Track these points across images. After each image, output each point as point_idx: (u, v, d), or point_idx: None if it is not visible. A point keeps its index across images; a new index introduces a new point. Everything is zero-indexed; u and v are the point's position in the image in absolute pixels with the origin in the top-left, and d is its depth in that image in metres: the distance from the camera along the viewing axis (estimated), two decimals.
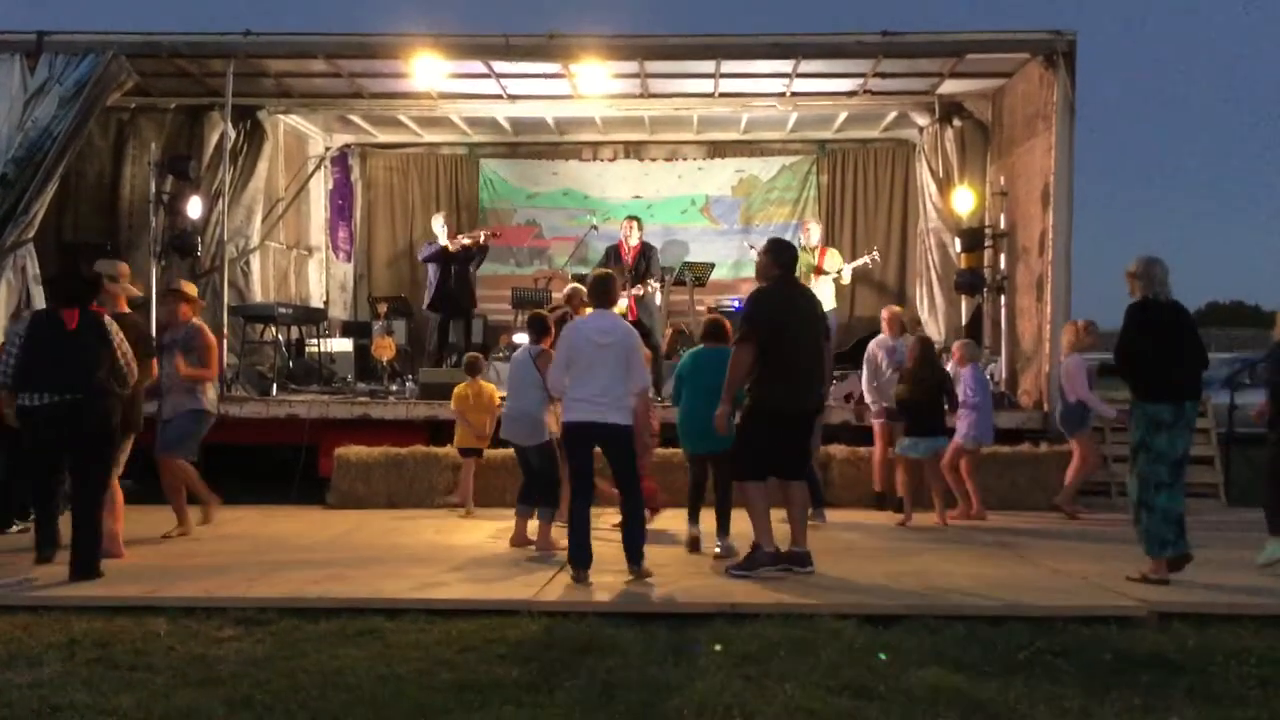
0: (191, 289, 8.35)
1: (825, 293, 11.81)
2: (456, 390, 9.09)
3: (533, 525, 7.47)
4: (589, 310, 6.96)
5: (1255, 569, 6.56)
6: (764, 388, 6.51)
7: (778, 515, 6.67)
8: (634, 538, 6.44)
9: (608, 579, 6.29)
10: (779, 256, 6.82)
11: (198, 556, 7.13)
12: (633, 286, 10.86)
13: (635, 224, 11.61)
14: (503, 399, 8.87)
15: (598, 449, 6.55)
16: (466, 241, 11.89)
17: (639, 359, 6.55)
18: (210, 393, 8.10)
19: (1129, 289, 6.43)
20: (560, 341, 6.70)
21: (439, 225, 12.12)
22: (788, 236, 13.14)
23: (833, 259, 12.00)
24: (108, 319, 6.58)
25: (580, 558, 6.35)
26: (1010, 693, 4.36)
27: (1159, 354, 6.24)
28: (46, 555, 6.53)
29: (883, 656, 4.80)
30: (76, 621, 5.38)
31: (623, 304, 10.62)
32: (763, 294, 6.82)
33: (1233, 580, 6.34)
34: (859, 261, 11.99)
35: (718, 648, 4.99)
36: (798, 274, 11.61)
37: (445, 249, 11.83)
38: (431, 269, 12.04)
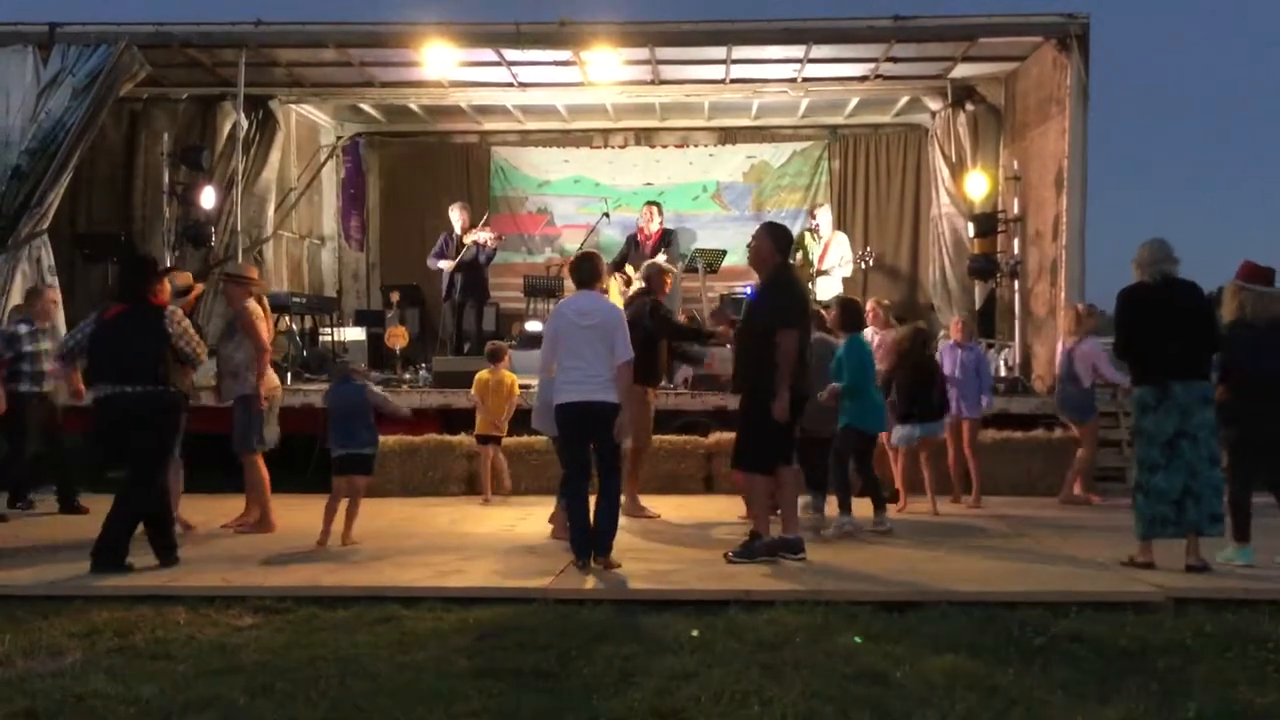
0: (248, 270, 8.27)
1: (831, 282, 11.81)
2: (478, 376, 9.10)
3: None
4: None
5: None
6: (775, 377, 6.36)
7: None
8: (605, 526, 6.40)
9: (627, 566, 6.32)
10: (781, 243, 6.68)
11: (215, 546, 7.17)
12: None
13: (655, 210, 11.59)
14: (523, 388, 8.95)
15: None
16: (477, 238, 11.89)
17: (623, 335, 6.48)
18: (266, 377, 7.79)
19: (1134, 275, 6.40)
20: (547, 325, 6.72)
21: (455, 215, 12.14)
22: (797, 224, 13.18)
23: (839, 246, 11.99)
24: (170, 312, 6.52)
25: (581, 545, 6.36)
26: (1027, 678, 4.36)
27: (1146, 336, 6.22)
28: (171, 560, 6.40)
29: (858, 640, 4.81)
30: (97, 611, 5.41)
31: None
32: (792, 280, 6.75)
33: (1248, 566, 6.33)
34: (847, 270, 11.92)
35: (694, 633, 4.99)
36: (800, 263, 11.75)
37: (454, 240, 11.81)
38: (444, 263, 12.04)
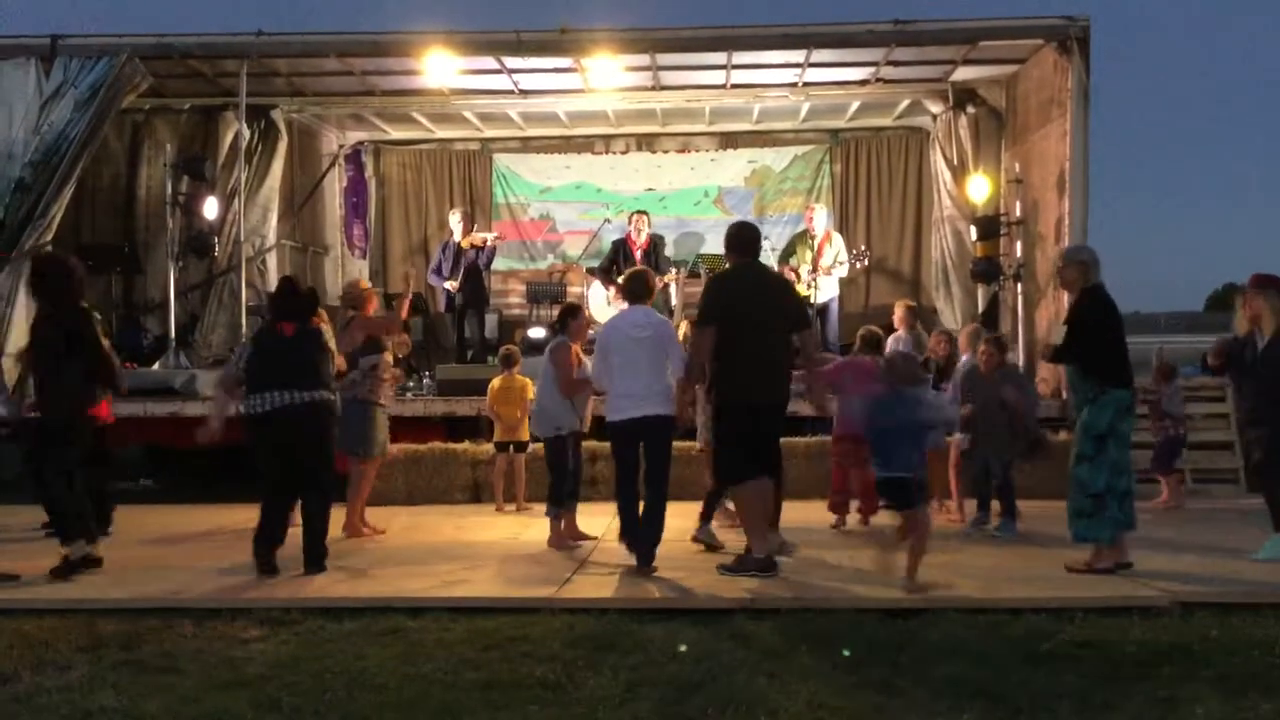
0: (355, 286, 8.51)
1: (828, 282, 11.79)
2: (491, 384, 9.09)
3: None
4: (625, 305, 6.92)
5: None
6: (729, 381, 6.33)
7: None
8: (649, 535, 6.44)
9: (630, 574, 6.34)
10: (735, 241, 6.62)
11: (220, 557, 7.16)
12: None
13: (644, 218, 11.60)
14: None
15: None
16: (475, 240, 11.96)
17: (676, 348, 6.56)
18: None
19: (1069, 279, 6.47)
20: (598, 340, 6.77)
21: (455, 221, 12.20)
22: (798, 228, 13.16)
23: (834, 246, 11.98)
24: (324, 329, 6.91)
25: (633, 539, 6.48)
26: (1032, 685, 4.35)
27: (1120, 337, 6.31)
28: (270, 567, 6.52)
29: (846, 653, 4.80)
30: (103, 624, 5.41)
31: None
32: (720, 277, 6.69)
33: (1254, 569, 6.32)
34: (842, 268, 11.88)
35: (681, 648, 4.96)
36: (798, 265, 11.73)
37: (449, 293, 11.88)
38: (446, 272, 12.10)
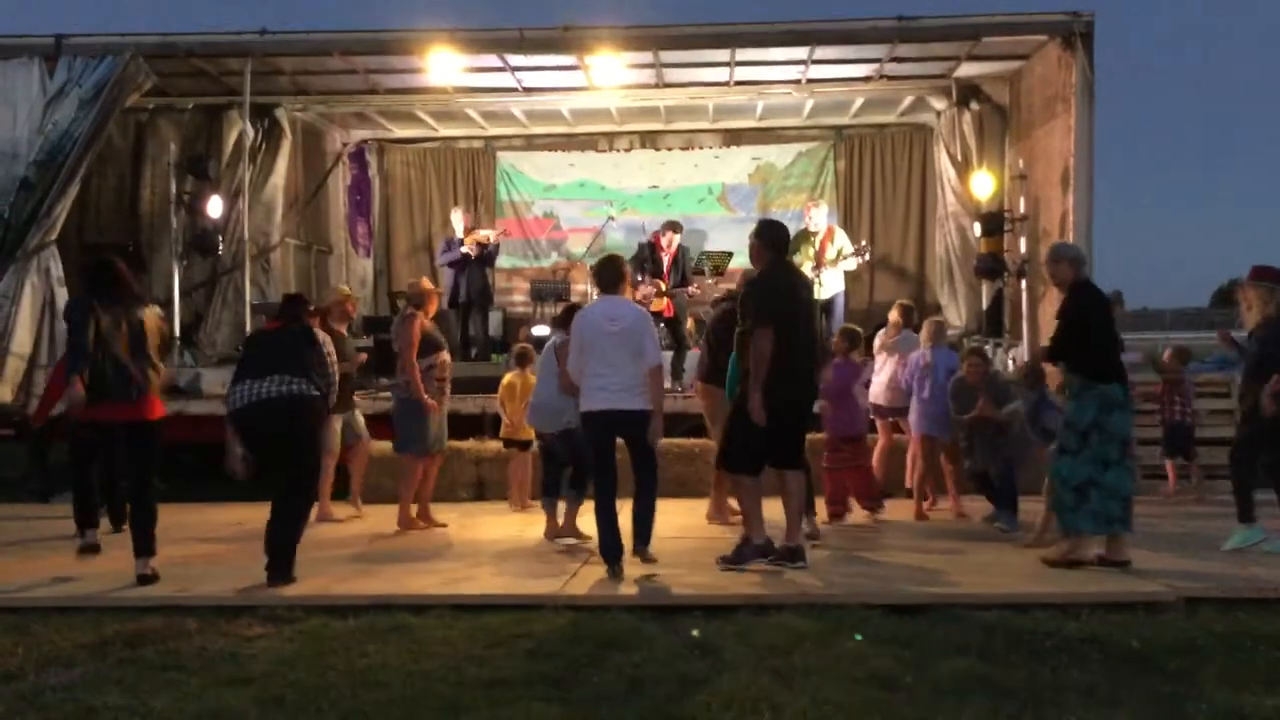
0: (417, 286, 8.55)
1: (834, 277, 11.75)
2: (503, 380, 9.09)
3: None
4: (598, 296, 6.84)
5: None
6: (774, 378, 6.24)
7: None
8: (643, 519, 6.44)
9: (632, 571, 6.31)
10: (772, 238, 6.58)
11: (224, 554, 7.18)
12: (673, 287, 10.90)
13: (674, 234, 11.40)
14: None
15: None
16: (479, 238, 11.95)
17: (651, 340, 6.47)
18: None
19: (1061, 276, 6.46)
20: (573, 331, 6.68)
21: (457, 219, 12.19)
22: (797, 223, 13.12)
23: (837, 240, 11.93)
24: (317, 330, 6.79)
25: (611, 551, 6.33)
26: (1037, 681, 4.35)
27: (1108, 334, 6.29)
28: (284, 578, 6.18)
29: (858, 637, 4.77)
30: (108, 622, 5.42)
31: (661, 301, 10.71)
32: (769, 278, 6.57)
33: (1258, 563, 6.30)
34: (849, 262, 11.82)
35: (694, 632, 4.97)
36: (800, 262, 11.69)
37: (465, 255, 11.86)
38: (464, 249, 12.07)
